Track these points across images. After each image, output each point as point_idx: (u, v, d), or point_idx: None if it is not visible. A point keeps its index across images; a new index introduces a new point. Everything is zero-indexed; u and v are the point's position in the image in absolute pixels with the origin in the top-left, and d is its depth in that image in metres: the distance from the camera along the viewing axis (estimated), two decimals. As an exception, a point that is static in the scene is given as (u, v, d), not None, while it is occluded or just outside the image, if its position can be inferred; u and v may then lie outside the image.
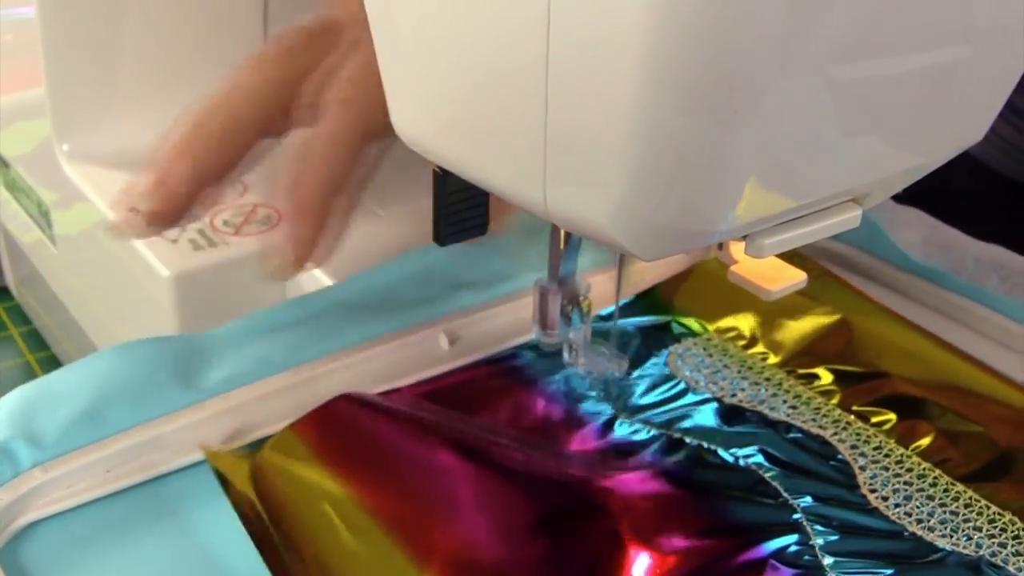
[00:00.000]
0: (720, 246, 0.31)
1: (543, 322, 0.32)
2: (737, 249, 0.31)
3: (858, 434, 0.34)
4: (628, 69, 0.19)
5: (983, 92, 0.25)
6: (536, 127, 0.22)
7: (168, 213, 0.34)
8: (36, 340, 0.65)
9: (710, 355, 0.38)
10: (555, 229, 0.31)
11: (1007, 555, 0.29)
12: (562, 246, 0.31)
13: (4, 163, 0.57)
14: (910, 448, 0.33)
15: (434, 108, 0.25)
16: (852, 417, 0.35)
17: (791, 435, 0.33)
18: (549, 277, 0.32)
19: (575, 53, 0.20)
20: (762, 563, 0.28)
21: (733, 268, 0.30)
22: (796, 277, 0.30)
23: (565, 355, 0.35)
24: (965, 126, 0.26)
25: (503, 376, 0.35)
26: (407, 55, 0.25)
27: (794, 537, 0.29)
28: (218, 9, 0.51)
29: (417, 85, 0.25)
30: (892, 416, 0.35)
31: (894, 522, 0.30)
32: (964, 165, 0.63)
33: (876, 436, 0.34)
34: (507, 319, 0.37)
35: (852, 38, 0.21)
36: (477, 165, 0.25)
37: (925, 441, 0.34)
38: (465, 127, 0.25)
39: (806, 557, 0.29)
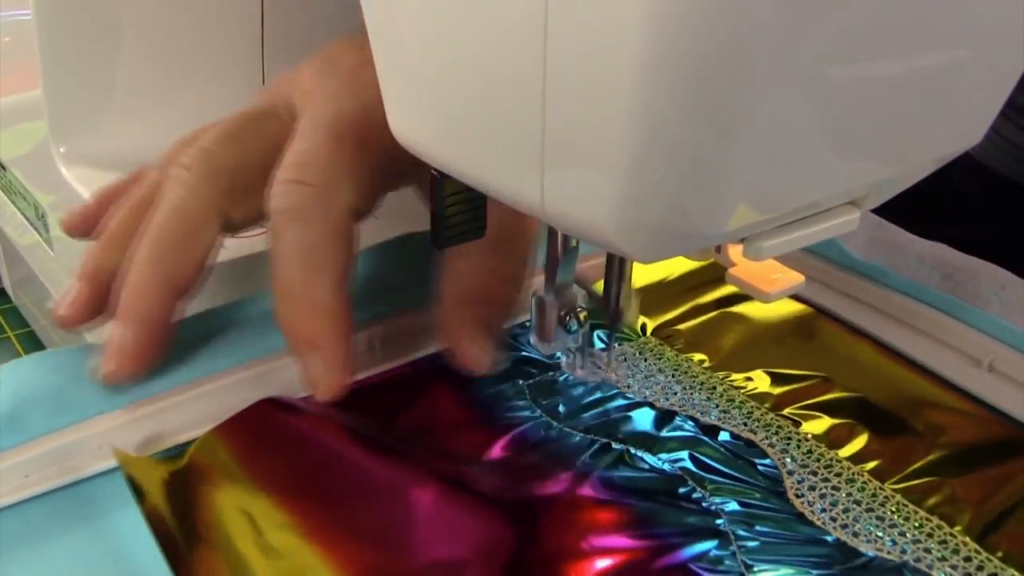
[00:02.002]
0: (718, 248, 0.31)
1: (540, 332, 0.32)
2: (735, 251, 0.31)
3: (788, 438, 0.34)
4: (626, 70, 0.19)
5: (982, 94, 0.25)
6: (534, 129, 0.22)
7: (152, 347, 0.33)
8: (33, 342, 0.65)
9: (645, 359, 0.38)
10: (552, 238, 0.31)
11: (932, 560, 0.29)
12: (559, 255, 0.31)
13: (0, 166, 0.57)
14: (842, 452, 0.33)
15: (431, 111, 0.25)
16: (784, 421, 0.34)
17: (721, 439, 0.33)
18: (546, 287, 0.32)
19: (573, 54, 0.20)
20: (682, 568, 0.28)
21: (731, 271, 0.30)
22: (794, 279, 0.30)
23: (563, 364, 0.35)
24: (964, 128, 0.26)
25: (428, 378, 0.35)
26: (405, 57, 0.25)
27: (715, 543, 0.29)
28: (214, 11, 0.51)
29: (414, 88, 0.25)
30: (826, 420, 0.35)
31: (819, 527, 0.30)
32: (963, 166, 0.63)
33: (806, 440, 0.34)
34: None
35: (851, 39, 0.20)
36: (475, 168, 0.25)
37: (857, 445, 0.33)
38: (462, 130, 0.25)
39: (727, 563, 0.29)
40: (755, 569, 0.28)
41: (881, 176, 0.25)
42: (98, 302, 0.34)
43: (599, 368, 0.35)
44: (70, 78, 0.49)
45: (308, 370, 0.31)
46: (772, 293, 0.29)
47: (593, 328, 0.37)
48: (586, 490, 0.31)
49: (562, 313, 0.32)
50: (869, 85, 0.22)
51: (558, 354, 0.36)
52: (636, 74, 0.19)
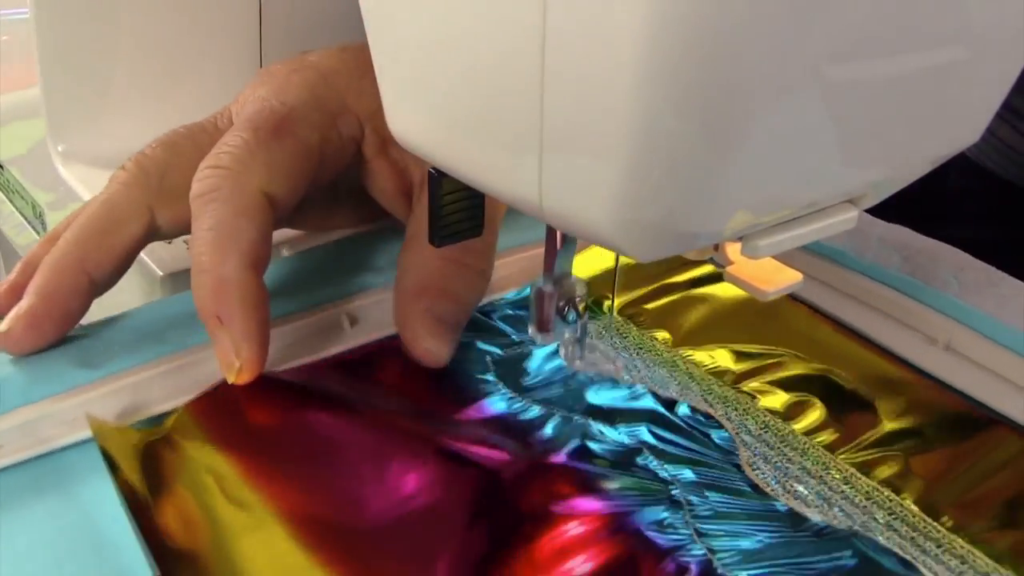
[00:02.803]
0: (716, 247, 0.31)
1: (540, 323, 0.32)
2: (733, 250, 0.31)
3: (746, 412, 0.34)
4: (624, 69, 0.19)
5: (980, 93, 0.25)
6: (532, 128, 0.22)
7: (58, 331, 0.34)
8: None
9: (610, 336, 0.39)
10: (550, 229, 0.31)
11: (879, 528, 0.30)
12: (558, 246, 0.31)
13: (-1, 164, 0.57)
14: (797, 425, 0.34)
15: (430, 109, 0.25)
16: (743, 396, 0.35)
17: (680, 413, 0.34)
18: (544, 278, 0.32)
19: (571, 53, 0.20)
20: (635, 533, 0.29)
21: (729, 269, 0.30)
22: (792, 278, 0.30)
23: (561, 355, 0.35)
24: (962, 127, 0.26)
25: (399, 353, 0.36)
26: (403, 56, 0.25)
27: (668, 509, 0.30)
28: (212, 10, 0.51)
29: (413, 86, 0.25)
30: (783, 395, 0.35)
31: (770, 496, 0.31)
32: (960, 166, 0.63)
33: (763, 414, 0.34)
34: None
35: (848, 41, 0.21)
36: (472, 166, 0.25)
37: (812, 419, 0.34)
38: (461, 128, 0.25)
39: (679, 529, 0.29)
40: (706, 535, 0.29)
41: (879, 175, 0.26)
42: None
43: (597, 359, 0.35)
44: (68, 77, 0.49)
45: (217, 347, 0.32)
46: (770, 291, 0.29)
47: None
48: (545, 459, 0.31)
49: (560, 304, 0.32)
50: (866, 86, 0.22)
51: (556, 344, 0.37)
52: (634, 74, 0.19)
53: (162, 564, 0.27)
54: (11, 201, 0.57)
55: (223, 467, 0.30)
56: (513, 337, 0.37)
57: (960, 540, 0.30)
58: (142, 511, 0.29)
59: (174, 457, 0.31)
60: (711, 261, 0.41)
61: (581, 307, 0.32)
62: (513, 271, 0.40)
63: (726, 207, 0.23)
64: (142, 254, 0.42)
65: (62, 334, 0.34)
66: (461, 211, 0.29)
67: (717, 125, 0.20)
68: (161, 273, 0.41)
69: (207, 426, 0.32)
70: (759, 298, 0.29)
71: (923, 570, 0.29)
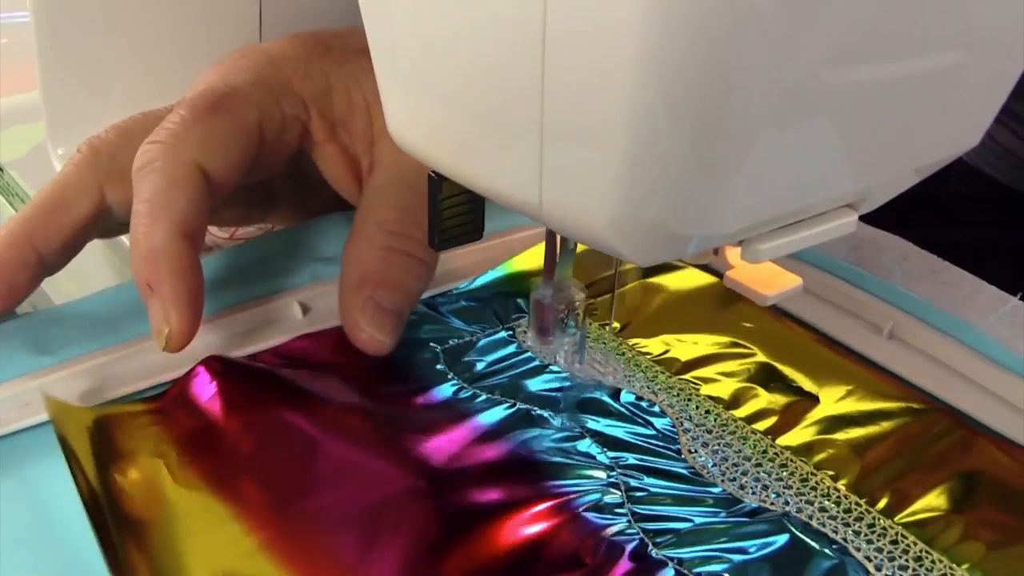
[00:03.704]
0: (716, 251, 0.31)
1: (540, 329, 0.32)
2: (733, 254, 0.31)
3: (688, 399, 0.35)
4: (622, 75, 0.19)
5: (979, 97, 0.25)
6: (532, 131, 0.22)
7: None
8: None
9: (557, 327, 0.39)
10: (550, 235, 0.31)
11: (812, 511, 0.31)
12: (557, 253, 0.31)
13: (-2, 167, 0.57)
14: (738, 412, 0.35)
15: (430, 112, 0.25)
16: (686, 384, 0.36)
17: (624, 400, 0.35)
18: (544, 285, 0.32)
19: (571, 56, 0.20)
20: (574, 515, 0.30)
21: (729, 273, 0.30)
22: (792, 282, 0.30)
23: (560, 361, 0.35)
24: (961, 131, 0.26)
25: (350, 343, 0.36)
26: (402, 59, 0.25)
27: (607, 493, 0.31)
28: (212, 14, 0.51)
29: (412, 89, 0.25)
30: (727, 383, 0.36)
31: (707, 480, 0.32)
32: (959, 170, 0.63)
33: (706, 402, 0.35)
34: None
35: (848, 42, 0.21)
36: (472, 169, 0.25)
37: (754, 407, 0.35)
38: (460, 131, 0.25)
39: (616, 511, 0.30)
40: (642, 517, 0.30)
41: (879, 179, 0.26)
42: None
43: (597, 367, 0.35)
44: (68, 80, 0.49)
45: (149, 314, 0.32)
46: (769, 296, 0.29)
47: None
48: (488, 445, 0.32)
49: (560, 312, 0.32)
50: (866, 90, 0.22)
51: (506, 334, 0.38)
52: (632, 78, 0.19)
53: (110, 546, 0.28)
54: (11, 204, 0.57)
55: (172, 451, 0.31)
56: (463, 327, 0.38)
57: (893, 523, 0.30)
58: (94, 494, 0.29)
59: (126, 439, 0.31)
60: (708, 266, 0.41)
61: (580, 315, 0.32)
62: (468, 262, 0.41)
63: (724, 210, 0.23)
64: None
65: (9, 307, 0.34)
66: (461, 215, 0.29)
67: (714, 128, 0.20)
68: None
69: (161, 417, 0.32)
70: (759, 302, 0.29)
71: (854, 552, 0.29)
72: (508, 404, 0.34)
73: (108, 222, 0.36)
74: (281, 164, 0.37)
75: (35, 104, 0.50)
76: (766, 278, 0.29)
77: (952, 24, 0.22)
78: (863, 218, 0.27)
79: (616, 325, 0.39)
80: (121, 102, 0.51)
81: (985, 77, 0.25)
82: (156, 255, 0.31)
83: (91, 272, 0.42)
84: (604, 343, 0.38)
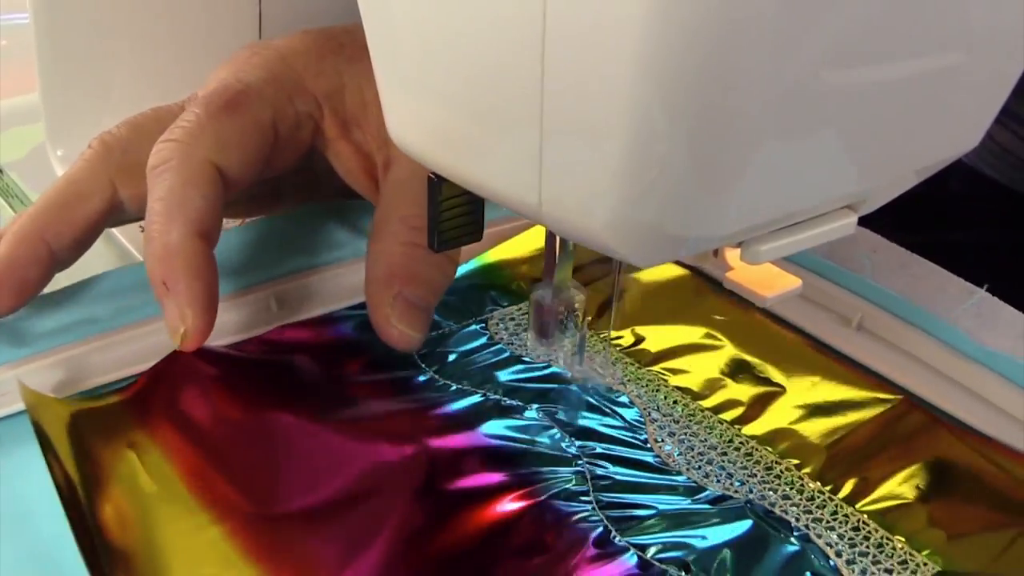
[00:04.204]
0: (715, 252, 0.31)
1: (540, 331, 0.32)
2: (732, 256, 0.31)
3: (656, 390, 0.36)
4: (623, 72, 0.19)
5: (979, 98, 0.25)
6: (531, 132, 0.22)
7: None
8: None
9: (528, 317, 0.40)
10: (550, 237, 0.31)
11: (776, 499, 0.31)
12: (557, 255, 0.31)
13: (-2, 169, 0.57)
14: (705, 403, 0.35)
15: (429, 113, 0.25)
16: (655, 375, 0.36)
17: (590, 388, 0.35)
18: (543, 287, 0.32)
19: (571, 57, 0.20)
20: (540, 503, 0.30)
21: (728, 275, 0.30)
22: (791, 283, 0.30)
23: (560, 363, 0.35)
24: (961, 132, 0.26)
25: (326, 335, 0.37)
26: (402, 59, 0.25)
27: (573, 481, 0.31)
28: (212, 16, 0.51)
29: (412, 89, 0.25)
30: (696, 375, 0.36)
31: (672, 469, 0.32)
32: (959, 171, 0.63)
33: (673, 393, 0.36)
34: (335, 284, 0.39)
35: (848, 43, 0.21)
36: (472, 170, 0.25)
37: (721, 397, 0.35)
38: (460, 132, 0.25)
39: (582, 498, 0.31)
40: (607, 504, 0.31)
41: (878, 181, 0.26)
42: None
43: (596, 369, 0.35)
44: (68, 82, 0.49)
45: (165, 313, 0.32)
46: (769, 297, 0.29)
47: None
48: (458, 434, 0.33)
49: (560, 313, 0.32)
50: (866, 91, 0.22)
51: (478, 326, 0.38)
52: (631, 79, 0.19)
53: (85, 536, 0.28)
54: (10, 206, 0.57)
55: (146, 443, 0.31)
56: (437, 319, 0.38)
57: (855, 510, 0.31)
58: (70, 484, 0.29)
59: (101, 431, 0.32)
60: (704, 270, 0.41)
61: (579, 316, 0.32)
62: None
63: (723, 212, 0.23)
64: (127, 243, 0.43)
65: (20, 303, 0.34)
66: (460, 216, 0.29)
67: (713, 128, 0.20)
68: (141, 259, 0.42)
69: (136, 408, 0.33)
70: (758, 303, 0.29)
71: (815, 539, 0.30)
72: (479, 394, 0.35)
73: (120, 217, 0.36)
74: (294, 161, 0.38)
75: (34, 105, 0.50)
76: (765, 279, 0.29)
77: (952, 25, 0.22)
78: (861, 219, 0.27)
79: (615, 333, 0.39)
80: (120, 104, 0.51)
81: (985, 78, 0.24)
82: (171, 254, 0.31)
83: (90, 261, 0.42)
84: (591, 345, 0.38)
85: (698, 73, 0.19)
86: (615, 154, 0.20)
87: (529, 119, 0.22)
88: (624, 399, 0.35)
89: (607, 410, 0.34)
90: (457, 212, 0.29)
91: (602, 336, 0.39)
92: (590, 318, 0.40)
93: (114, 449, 0.31)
